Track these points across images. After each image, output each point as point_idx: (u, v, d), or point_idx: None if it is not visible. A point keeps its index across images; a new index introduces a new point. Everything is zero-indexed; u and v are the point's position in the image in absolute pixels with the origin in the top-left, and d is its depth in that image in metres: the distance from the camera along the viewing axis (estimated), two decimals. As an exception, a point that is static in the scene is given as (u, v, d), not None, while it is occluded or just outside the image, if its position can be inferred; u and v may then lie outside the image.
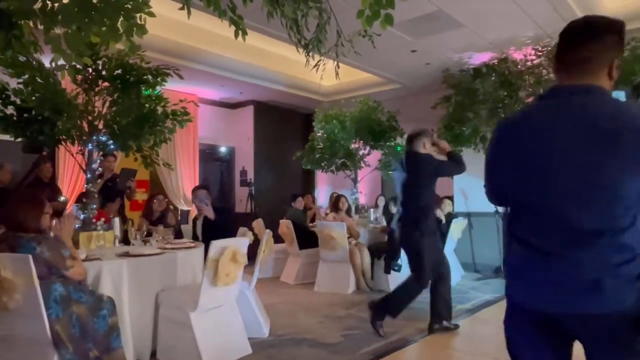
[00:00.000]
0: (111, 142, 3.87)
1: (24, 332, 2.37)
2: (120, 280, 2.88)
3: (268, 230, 3.96)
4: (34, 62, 3.33)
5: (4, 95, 3.54)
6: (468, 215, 6.67)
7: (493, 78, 6.06)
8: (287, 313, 4.44)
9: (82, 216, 3.64)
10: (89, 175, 3.78)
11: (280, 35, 4.59)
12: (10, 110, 3.59)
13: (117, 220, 3.80)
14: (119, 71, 3.71)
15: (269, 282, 5.85)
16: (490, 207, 6.26)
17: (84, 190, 4.15)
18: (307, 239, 5.89)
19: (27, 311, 2.30)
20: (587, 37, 1.25)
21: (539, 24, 5.11)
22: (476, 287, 5.51)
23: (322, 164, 7.31)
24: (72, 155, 3.91)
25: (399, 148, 7.21)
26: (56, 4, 2.01)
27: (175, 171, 7.36)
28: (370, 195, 8.32)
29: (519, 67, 5.95)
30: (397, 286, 3.78)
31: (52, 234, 2.68)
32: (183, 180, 7.61)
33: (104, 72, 3.73)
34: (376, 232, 5.91)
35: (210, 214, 4.29)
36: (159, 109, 3.89)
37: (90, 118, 3.72)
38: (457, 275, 5.83)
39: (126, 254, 3.10)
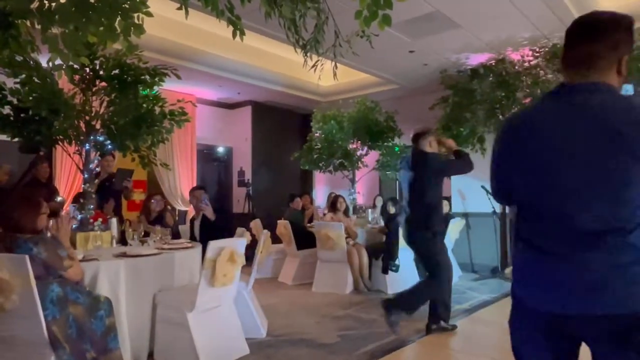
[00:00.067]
0: (108, 142, 3.86)
1: (21, 333, 2.36)
2: (118, 281, 2.88)
3: (266, 231, 3.96)
4: (31, 62, 3.32)
5: (0, 95, 3.53)
6: (465, 215, 6.69)
7: (490, 79, 6.08)
8: (285, 313, 4.44)
9: (79, 216, 3.62)
10: (86, 176, 3.77)
11: (278, 35, 4.60)
12: (7, 110, 3.58)
13: (114, 221, 3.79)
14: (117, 71, 3.70)
15: (267, 283, 5.85)
16: (487, 208, 6.28)
17: (81, 190, 4.14)
18: (305, 239, 5.89)
19: (24, 312, 2.29)
20: (594, 34, 1.22)
21: (536, 25, 5.12)
22: (474, 288, 5.52)
23: (320, 164, 7.32)
24: (70, 155, 3.90)
25: (396, 148, 7.23)
26: (53, 4, 2.01)
27: (172, 171, 7.36)
28: (368, 195, 8.32)
29: (516, 67, 5.97)
30: (414, 286, 3.73)
31: (49, 234, 2.67)
32: (181, 180, 7.60)
33: (101, 72, 3.72)
34: (374, 232, 5.91)
35: (211, 214, 4.29)
36: (157, 109, 3.89)
37: (87, 118, 3.72)
38: (454, 275, 5.82)
39: (123, 255, 3.10)
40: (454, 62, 6.25)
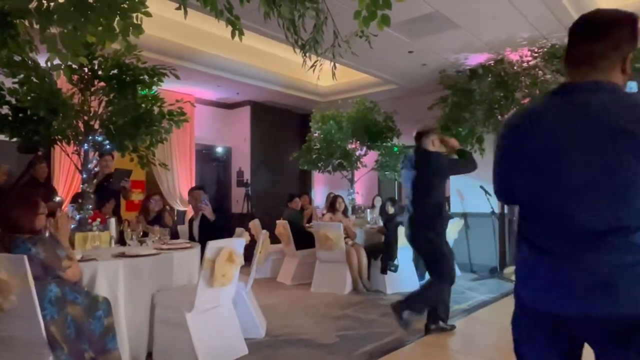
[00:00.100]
0: (107, 142, 3.85)
1: (20, 333, 2.35)
2: (116, 281, 2.87)
3: (264, 231, 3.96)
4: (30, 62, 3.32)
5: (-1, 95, 3.53)
6: (464, 215, 6.69)
7: (489, 79, 6.08)
8: (284, 313, 4.44)
9: (77, 217, 3.62)
10: (84, 176, 3.76)
11: (277, 35, 4.59)
12: (5, 110, 3.57)
13: (113, 221, 3.79)
14: (115, 71, 3.69)
15: (266, 283, 5.85)
16: (486, 208, 6.29)
17: (79, 190, 4.13)
18: (304, 239, 5.89)
19: (23, 312, 2.29)
20: (596, 33, 1.20)
21: (534, 26, 5.13)
22: (472, 288, 5.52)
23: (319, 165, 7.32)
24: (68, 155, 3.90)
25: (395, 149, 7.23)
26: (52, 4, 2.01)
27: (171, 171, 7.35)
28: (366, 195, 8.33)
29: (515, 68, 5.98)
30: (422, 287, 3.70)
31: (47, 234, 2.67)
32: (179, 180, 7.59)
33: (100, 72, 3.72)
34: (373, 232, 5.92)
35: (210, 215, 4.29)
36: (155, 109, 3.88)
37: (86, 118, 3.71)
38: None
39: (122, 255, 3.09)
40: (453, 62, 6.25)
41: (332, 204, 6.04)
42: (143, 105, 3.82)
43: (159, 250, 3.32)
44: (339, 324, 4.09)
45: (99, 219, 3.63)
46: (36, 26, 2.07)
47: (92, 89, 3.76)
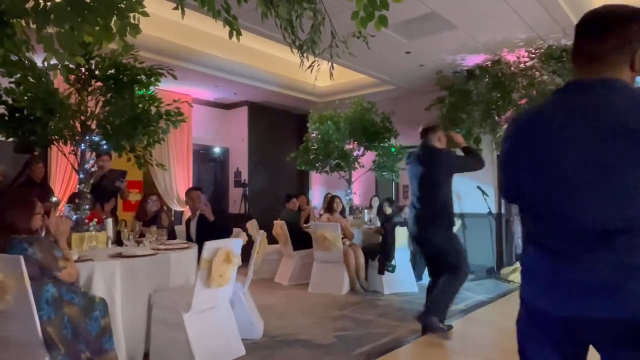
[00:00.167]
0: (104, 142, 3.85)
1: (16, 333, 2.35)
2: (113, 282, 2.87)
3: (262, 231, 3.96)
4: (26, 62, 3.31)
5: (-5, 95, 3.52)
6: (461, 216, 6.70)
7: (486, 80, 6.10)
8: (281, 314, 4.44)
9: (74, 217, 3.61)
10: (81, 176, 3.75)
11: (274, 36, 4.59)
12: (1, 109, 3.56)
13: (110, 221, 3.78)
14: (112, 71, 3.69)
15: (263, 283, 5.84)
16: (483, 208, 6.30)
17: (76, 190, 4.12)
18: (301, 239, 5.89)
19: (19, 313, 2.28)
20: (605, 29, 1.17)
21: (531, 26, 5.15)
22: (469, 288, 5.53)
23: (317, 165, 7.32)
24: (65, 155, 3.89)
25: (393, 149, 7.24)
26: (49, 3, 2.00)
27: (168, 172, 7.34)
28: (364, 196, 8.33)
29: (512, 69, 6.00)
30: (439, 293, 3.61)
31: (43, 234, 2.66)
32: (177, 181, 7.58)
33: (97, 72, 3.71)
34: (370, 232, 5.92)
35: (210, 215, 4.29)
36: (153, 109, 3.88)
37: (83, 118, 3.70)
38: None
39: (119, 255, 3.08)
40: (450, 63, 6.27)
41: (329, 204, 6.04)
42: (140, 105, 3.82)
43: (156, 251, 3.31)
44: (337, 324, 4.09)
45: (95, 219, 3.62)
46: (33, 26, 2.06)
47: (89, 88, 3.75)
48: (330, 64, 2.88)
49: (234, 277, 3.18)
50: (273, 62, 6.89)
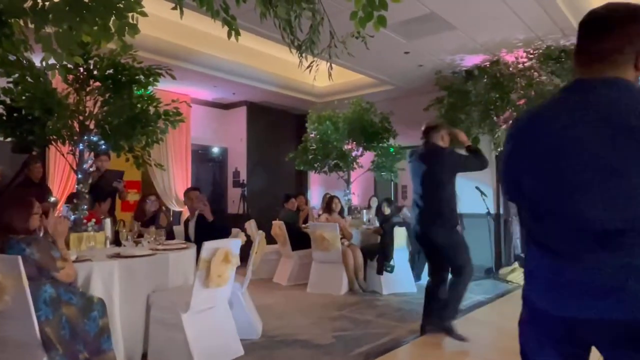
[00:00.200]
0: (102, 142, 3.84)
1: (14, 334, 2.34)
2: (111, 282, 2.86)
3: (260, 232, 3.96)
4: (24, 61, 3.30)
5: (-7, 95, 3.51)
6: (460, 216, 6.70)
7: (485, 80, 6.11)
8: (280, 314, 4.43)
9: (72, 217, 3.60)
10: (79, 176, 3.75)
11: (273, 36, 4.59)
12: (-1, 109, 3.56)
13: (108, 221, 3.77)
14: (111, 71, 3.68)
15: (262, 283, 5.83)
16: (481, 209, 6.31)
17: (74, 190, 4.11)
18: (300, 240, 5.89)
19: (17, 313, 2.28)
20: (609, 27, 1.15)
21: (530, 27, 5.15)
22: (468, 288, 5.52)
23: (315, 165, 7.31)
24: (63, 155, 3.88)
25: (391, 149, 7.24)
26: (47, 3, 2.00)
27: (167, 172, 7.33)
28: (363, 196, 8.33)
29: (511, 69, 6.01)
30: (449, 299, 3.61)
31: (41, 234, 2.65)
32: (175, 181, 7.57)
33: (95, 72, 3.70)
34: (369, 233, 5.92)
35: (209, 215, 4.29)
36: (151, 109, 3.87)
37: (81, 118, 3.70)
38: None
39: (117, 255, 3.08)
40: (449, 63, 6.27)
41: (328, 204, 6.04)
42: (139, 105, 3.81)
43: (154, 251, 3.31)
44: (335, 324, 4.09)
45: (94, 220, 3.61)
46: (31, 25, 2.05)
47: (88, 88, 3.75)
48: (329, 64, 2.88)
49: (233, 277, 3.18)
50: (272, 62, 6.88)
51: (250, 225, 5.75)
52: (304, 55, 2.81)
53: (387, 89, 7.43)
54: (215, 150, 8.77)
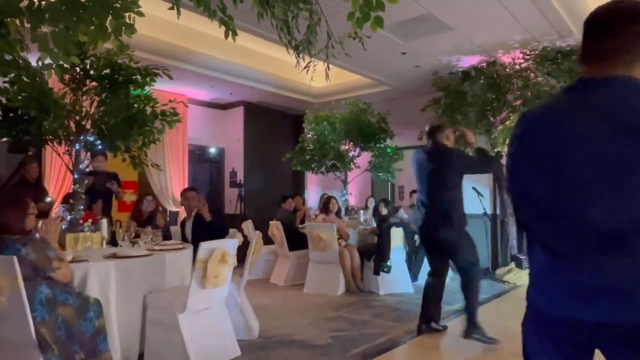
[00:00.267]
0: (99, 142, 3.83)
1: (9, 334, 2.33)
2: (108, 282, 2.85)
3: (257, 232, 3.95)
4: (21, 61, 3.28)
5: (-11, 95, 3.49)
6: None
7: (481, 81, 6.13)
8: (277, 314, 4.43)
9: (68, 217, 3.59)
10: (76, 176, 3.73)
11: (270, 36, 4.59)
12: (-5, 109, 3.54)
13: (104, 222, 3.76)
14: (108, 71, 3.67)
15: (259, 284, 5.83)
16: (478, 209, 6.32)
17: (70, 191, 4.10)
18: (297, 240, 5.89)
19: (12, 313, 2.27)
20: (615, 25, 1.13)
21: (526, 28, 5.17)
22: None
23: (312, 166, 7.32)
24: (59, 155, 3.87)
25: (389, 150, 7.25)
26: (43, 2, 1.99)
27: (164, 172, 7.31)
28: (360, 196, 8.34)
29: (507, 70, 6.03)
30: (466, 303, 3.58)
31: (37, 236, 2.64)
32: (172, 181, 7.56)
33: (92, 72, 3.69)
34: (366, 233, 5.93)
35: (207, 215, 4.29)
36: (148, 109, 3.86)
37: (77, 118, 3.68)
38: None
39: (114, 256, 3.07)
40: (446, 64, 6.29)
41: (325, 205, 6.04)
42: (135, 106, 3.80)
43: (151, 251, 3.30)
44: (332, 325, 4.09)
45: (90, 220, 3.60)
46: (27, 25, 2.05)
47: (84, 88, 3.73)
48: (326, 64, 2.88)
49: (230, 277, 3.17)
50: (269, 62, 6.88)
51: (247, 225, 5.74)
52: (301, 55, 2.81)
53: (384, 90, 7.44)
54: (212, 150, 8.76)
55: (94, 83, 3.73)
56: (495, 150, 6.02)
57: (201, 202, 4.35)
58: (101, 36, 2.09)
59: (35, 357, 2.28)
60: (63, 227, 3.38)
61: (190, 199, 4.50)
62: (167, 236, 4.42)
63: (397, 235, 5.35)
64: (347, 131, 7.06)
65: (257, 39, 5.26)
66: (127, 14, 2.13)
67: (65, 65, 3.02)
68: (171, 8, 2.31)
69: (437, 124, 3.71)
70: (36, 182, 5.03)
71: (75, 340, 2.43)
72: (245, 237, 4.55)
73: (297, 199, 7.09)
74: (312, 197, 9.16)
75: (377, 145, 7.17)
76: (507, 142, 6.41)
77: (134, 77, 3.74)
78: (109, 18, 2.07)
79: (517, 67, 5.96)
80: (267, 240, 5.46)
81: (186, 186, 7.14)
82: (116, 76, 3.69)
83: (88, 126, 3.73)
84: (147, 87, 3.89)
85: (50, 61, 2.11)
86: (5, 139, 3.69)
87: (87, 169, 4.08)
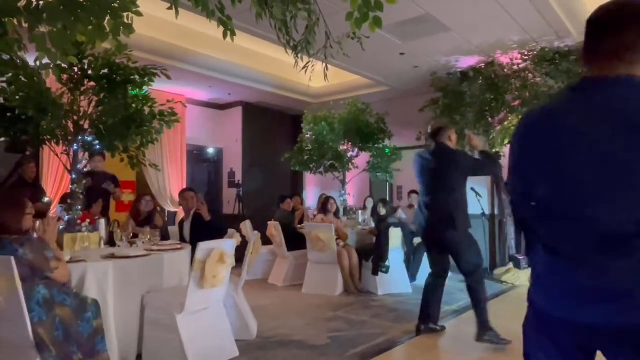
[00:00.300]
0: (97, 142, 3.82)
1: (7, 335, 2.32)
2: (106, 283, 2.85)
3: (256, 232, 3.95)
4: (18, 61, 3.28)
5: (-14, 95, 3.48)
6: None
7: (480, 81, 6.14)
8: (275, 315, 4.43)
9: (66, 217, 3.58)
10: (74, 176, 3.72)
11: (269, 36, 4.59)
12: (-7, 109, 3.53)
13: (102, 222, 3.76)
14: (106, 71, 3.67)
15: (257, 284, 5.83)
16: (476, 209, 6.32)
17: (68, 191, 4.09)
18: (296, 240, 5.88)
19: (10, 314, 2.26)
20: (620, 24, 1.11)
21: (525, 29, 5.18)
22: (462, 289, 5.49)
23: (311, 166, 7.32)
24: (57, 155, 3.86)
25: (387, 150, 7.26)
26: (41, 2, 1.98)
27: (162, 172, 7.30)
28: (358, 197, 8.34)
29: (505, 71, 6.04)
30: (474, 305, 3.57)
31: (35, 236, 2.64)
32: (170, 181, 7.55)
33: (90, 72, 3.68)
34: (364, 233, 5.93)
35: (206, 214, 4.29)
36: (146, 110, 3.86)
37: (75, 118, 3.68)
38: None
39: (112, 256, 3.06)
40: (444, 64, 6.30)
41: (324, 205, 6.04)
42: (134, 106, 3.80)
43: (149, 252, 3.30)
44: (331, 325, 4.09)
45: (88, 220, 3.59)
46: (25, 25, 2.04)
47: (82, 88, 3.73)
48: (324, 64, 2.88)
49: (228, 278, 3.17)
50: (267, 62, 6.88)
51: (246, 225, 5.74)
52: (299, 55, 2.81)
53: (382, 90, 7.45)
54: (211, 150, 8.75)
55: (92, 83, 3.72)
56: (494, 150, 6.03)
57: (200, 202, 4.36)
58: (99, 36, 2.09)
59: (33, 358, 2.27)
60: (61, 227, 3.37)
61: (188, 199, 4.49)
62: (165, 236, 4.42)
63: (395, 236, 5.35)
64: (346, 131, 7.06)
65: (255, 39, 5.26)
66: (125, 14, 2.13)
67: (63, 65, 3.02)
68: (170, 8, 2.31)
69: (439, 125, 3.69)
70: (34, 182, 5.02)
71: (72, 340, 2.42)
72: (243, 237, 4.55)
73: (296, 199, 7.09)
74: (310, 197, 9.16)
75: (376, 145, 7.18)
76: (506, 142, 6.45)
77: (132, 77, 3.74)
78: (107, 18, 2.07)
79: (515, 67, 5.97)
80: (266, 241, 5.46)
81: (184, 186, 7.13)
82: (114, 76, 3.68)
83: (86, 126, 3.72)
84: (145, 87, 3.88)
85: (48, 61, 2.10)
86: (2, 139, 3.68)
87: (84, 169, 4.07)
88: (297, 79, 6.84)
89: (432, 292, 3.73)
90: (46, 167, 6.02)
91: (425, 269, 5.62)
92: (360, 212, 6.80)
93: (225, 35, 2.43)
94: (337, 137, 7.04)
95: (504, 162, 3.50)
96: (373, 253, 5.35)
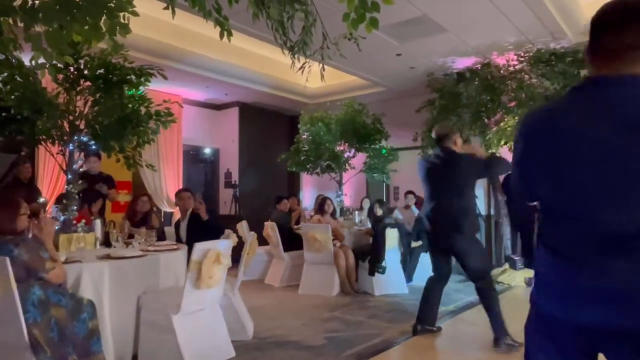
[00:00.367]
0: (93, 142, 3.81)
1: (1, 336, 2.31)
2: (101, 283, 2.84)
3: (252, 233, 3.94)
4: (14, 60, 3.26)
5: (-19, 94, 3.46)
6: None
7: (476, 82, 6.16)
8: (271, 315, 4.42)
9: (62, 218, 3.57)
10: (69, 176, 3.71)
11: (265, 36, 4.58)
12: (-12, 109, 3.51)
13: (98, 222, 3.74)
14: (102, 70, 3.65)
15: (254, 285, 5.82)
16: (473, 210, 6.35)
17: (64, 191, 4.07)
18: (292, 241, 5.88)
19: (4, 315, 2.25)
20: (624, 23, 1.10)
21: (521, 30, 5.21)
22: (459, 289, 5.56)
23: (307, 166, 7.32)
24: (53, 155, 3.84)
25: (383, 151, 7.27)
26: (37, 1, 1.98)
27: (158, 173, 7.28)
28: (355, 197, 8.35)
29: (502, 72, 6.06)
30: (487, 310, 3.46)
31: (30, 235, 2.62)
32: (166, 182, 7.53)
33: (86, 72, 3.67)
34: (361, 234, 5.93)
35: (204, 214, 4.28)
36: (142, 110, 3.85)
37: (71, 118, 3.66)
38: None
39: (107, 256, 3.05)
40: (441, 65, 6.31)
41: (320, 205, 6.04)
42: (130, 106, 3.79)
43: (145, 252, 3.29)
44: (327, 325, 4.09)
45: (83, 220, 3.58)
46: (21, 24, 2.03)
47: (78, 88, 3.71)
48: (321, 65, 2.89)
49: (224, 278, 3.16)
50: (264, 63, 6.88)
51: (242, 226, 5.73)
52: (296, 56, 2.82)
53: (379, 91, 7.46)
54: (207, 151, 8.74)
55: (88, 83, 3.71)
56: (490, 151, 6.05)
57: (198, 201, 4.35)
58: (95, 36, 2.08)
59: (28, 359, 2.26)
60: (56, 227, 3.35)
61: (185, 200, 4.48)
62: (161, 237, 4.41)
63: (392, 236, 5.36)
64: (342, 132, 7.07)
65: (252, 39, 5.26)
66: (121, 14, 2.12)
67: (59, 65, 2.99)
68: (166, 8, 2.30)
69: (445, 130, 3.66)
70: (29, 182, 5.00)
71: (68, 341, 2.41)
72: (240, 237, 4.54)
73: (292, 200, 7.08)
74: (307, 197, 9.16)
75: (372, 146, 7.19)
76: (502, 143, 6.45)
77: (128, 77, 3.73)
78: (103, 18, 2.06)
79: (511, 68, 6.00)
80: (262, 241, 5.45)
81: (181, 187, 7.12)
82: (110, 76, 3.67)
83: (82, 126, 3.71)
84: (141, 87, 3.87)
85: (43, 61, 2.09)
86: (-2, 139, 3.67)
87: (80, 170, 4.06)
88: (293, 79, 6.84)
89: (432, 294, 3.72)
90: (42, 167, 5.99)
91: (421, 269, 5.64)
92: (356, 212, 6.80)
93: (222, 36, 2.43)
94: (334, 137, 7.05)
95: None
96: (369, 253, 5.36)
